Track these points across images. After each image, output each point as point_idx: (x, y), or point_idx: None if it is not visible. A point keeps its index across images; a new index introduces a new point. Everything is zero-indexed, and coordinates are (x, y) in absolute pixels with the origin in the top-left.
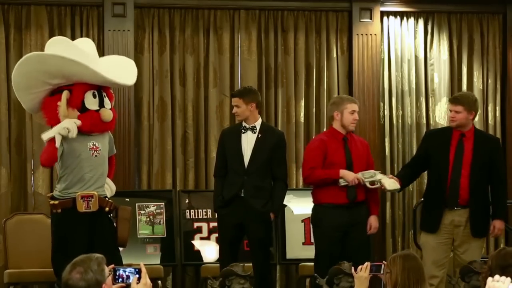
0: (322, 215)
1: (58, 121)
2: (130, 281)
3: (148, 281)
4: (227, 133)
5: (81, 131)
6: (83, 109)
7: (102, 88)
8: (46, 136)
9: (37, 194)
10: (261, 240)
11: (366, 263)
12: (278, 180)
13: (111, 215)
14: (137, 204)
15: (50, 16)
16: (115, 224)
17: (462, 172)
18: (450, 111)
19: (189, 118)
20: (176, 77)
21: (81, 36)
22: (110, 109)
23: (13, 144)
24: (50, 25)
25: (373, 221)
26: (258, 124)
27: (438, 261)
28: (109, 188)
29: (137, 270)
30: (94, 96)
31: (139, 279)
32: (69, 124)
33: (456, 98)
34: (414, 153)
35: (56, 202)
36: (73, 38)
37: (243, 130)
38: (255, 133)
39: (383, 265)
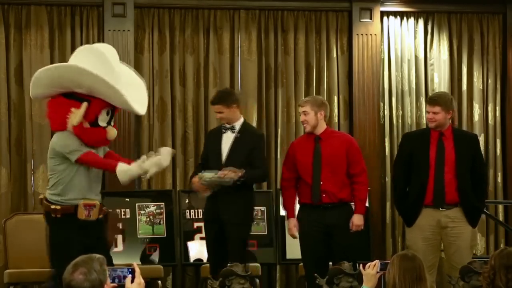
0: (302, 214)
1: (63, 124)
2: (124, 281)
3: (142, 280)
4: (210, 133)
5: (88, 145)
6: (94, 123)
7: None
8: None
9: (37, 194)
10: None
11: (375, 260)
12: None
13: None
14: (137, 204)
15: (50, 16)
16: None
17: (445, 171)
18: (428, 112)
19: (189, 118)
20: (176, 77)
21: (81, 36)
22: (114, 124)
23: (13, 144)
24: (50, 25)
25: (354, 219)
26: (238, 124)
27: (426, 263)
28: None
29: (130, 270)
30: (107, 114)
31: (133, 279)
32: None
33: (434, 99)
34: (398, 160)
35: (58, 207)
36: (73, 38)
37: (223, 130)
38: (234, 132)
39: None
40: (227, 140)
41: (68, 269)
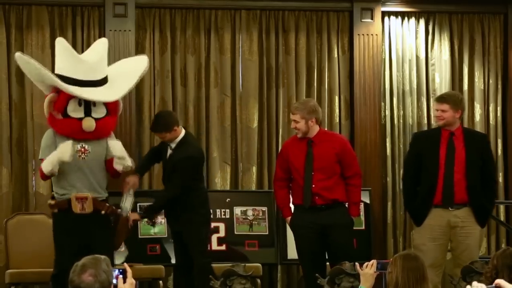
0: (296, 215)
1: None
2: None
3: (133, 280)
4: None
5: (65, 135)
6: (65, 114)
7: None
8: (46, 168)
9: (38, 194)
10: None
11: (373, 260)
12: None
13: (111, 218)
14: (138, 204)
15: (51, 17)
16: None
17: (455, 171)
18: (437, 110)
19: (190, 118)
20: (177, 77)
21: (82, 37)
22: (104, 117)
23: (14, 144)
24: (51, 25)
25: None
26: (175, 142)
27: (435, 263)
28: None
29: (121, 270)
30: (80, 104)
31: (124, 279)
32: (64, 152)
33: (442, 97)
34: (408, 160)
35: (53, 202)
36: (74, 38)
37: (167, 144)
38: (171, 149)
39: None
40: (167, 155)
41: (76, 270)
